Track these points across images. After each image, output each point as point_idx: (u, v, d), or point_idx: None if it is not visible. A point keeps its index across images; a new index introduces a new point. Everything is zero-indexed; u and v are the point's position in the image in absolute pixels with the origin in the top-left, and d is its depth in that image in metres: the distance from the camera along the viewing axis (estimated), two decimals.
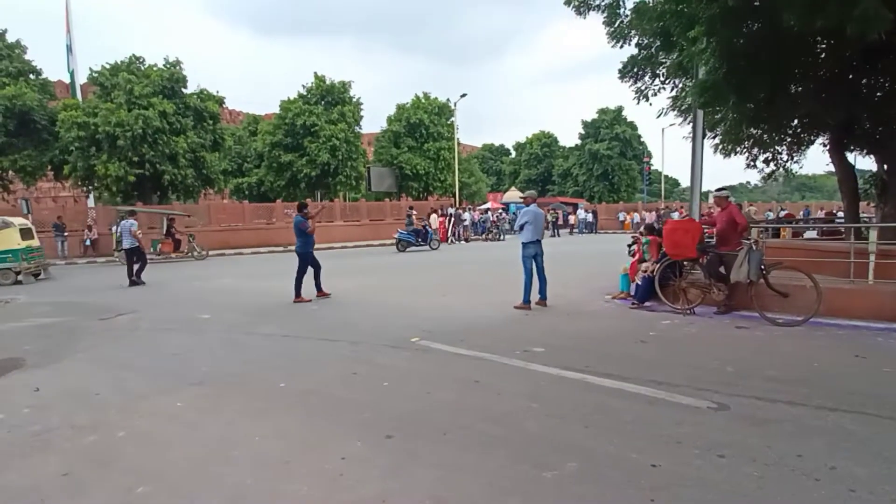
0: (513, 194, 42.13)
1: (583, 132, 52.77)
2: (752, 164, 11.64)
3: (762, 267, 6.52)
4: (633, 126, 51.38)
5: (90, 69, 25.55)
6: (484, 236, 28.89)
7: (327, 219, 28.89)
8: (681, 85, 10.38)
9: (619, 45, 8.79)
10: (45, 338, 7.17)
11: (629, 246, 10.84)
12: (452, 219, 27.49)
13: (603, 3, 9.26)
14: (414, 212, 25.47)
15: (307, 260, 9.44)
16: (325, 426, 3.84)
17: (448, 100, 37.26)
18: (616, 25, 8.80)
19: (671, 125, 54.43)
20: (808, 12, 5.16)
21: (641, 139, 52.49)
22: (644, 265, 8.38)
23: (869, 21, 4.93)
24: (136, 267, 12.88)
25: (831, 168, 11.25)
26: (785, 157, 11.57)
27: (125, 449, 3.57)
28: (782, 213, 34.69)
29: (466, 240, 28.06)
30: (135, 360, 5.88)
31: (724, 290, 7.03)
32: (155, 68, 25.42)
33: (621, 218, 39.66)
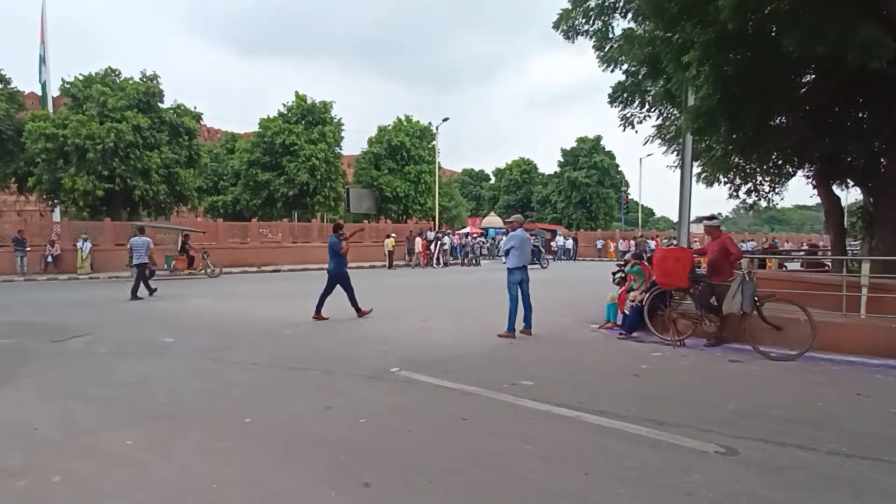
0: (492, 220, 42.13)
1: (562, 160, 53.44)
2: (734, 194, 11.67)
3: (755, 299, 6.32)
4: (611, 155, 52.23)
5: (62, 80, 24.88)
6: (461, 261, 28.54)
7: (303, 239, 28.35)
8: (666, 113, 10.37)
9: (609, 69, 8.73)
10: None
11: (614, 274, 10.65)
12: (438, 243, 27.32)
13: (591, 29, 9.23)
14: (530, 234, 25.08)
15: (341, 279, 9.48)
16: (295, 470, 3.41)
17: (430, 123, 37.34)
18: (606, 50, 8.75)
19: (649, 155, 55.46)
20: (808, 38, 5.08)
21: (619, 168, 53.38)
22: (632, 294, 8.14)
23: (870, 49, 4.85)
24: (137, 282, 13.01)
25: (799, 202, 11.55)
26: (767, 189, 11.63)
27: (58, 497, 3.08)
28: (751, 245, 35.17)
29: (445, 264, 27.75)
30: (84, 389, 5.33)
31: (717, 321, 6.81)
32: (131, 81, 24.86)
33: (599, 245, 39.90)
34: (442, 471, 3.33)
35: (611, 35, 9.21)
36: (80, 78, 24.67)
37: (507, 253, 7.95)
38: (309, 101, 32.05)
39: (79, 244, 20.87)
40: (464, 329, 8.64)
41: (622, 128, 10.67)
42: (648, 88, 10.14)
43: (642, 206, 67.87)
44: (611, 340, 7.71)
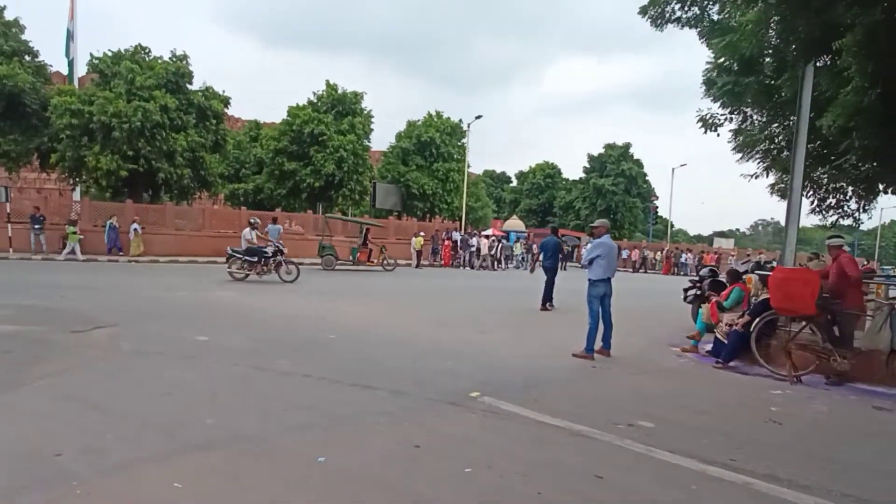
0: (514, 223, 41.07)
1: (588, 166, 52.30)
2: (818, 209, 10.66)
3: None
4: (639, 164, 50.99)
5: (90, 55, 24.16)
6: (489, 264, 27.28)
7: (325, 233, 27.45)
8: (758, 116, 9.34)
9: (732, 59, 7.70)
10: None
11: (686, 290, 9.70)
12: (499, 245, 27.01)
13: (684, 17, 8.24)
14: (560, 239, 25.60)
15: (553, 274, 11.32)
16: None
17: (461, 120, 36.31)
18: (716, 39, 7.69)
19: (683, 165, 54.08)
20: None
21: (647, 178, 52.04)
22: (727, 317, 7.13)
23: None
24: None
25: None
26: (854, 206, 10.58)
27: None
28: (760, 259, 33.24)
29: (472, 266, 26.82)
30: (113, 399, 4.44)
31: (851, 358, 5.75)
32: (160, 60, 24.12)
33: (625, 256, 38.75)
34: None
35: (706, 23, 8.23)
36: (109, 54, 23.96)
37: (590, 262, 6.97)
38: (339, 91, 31.14)
39: (110, 223, 20.40)
40: (530, 344, 7.69)
41: (703, 130, 9.66)
42: (733, 86, 9.10)
43: (663, 217, 66.28)
44: (707, 370, 6.69)
